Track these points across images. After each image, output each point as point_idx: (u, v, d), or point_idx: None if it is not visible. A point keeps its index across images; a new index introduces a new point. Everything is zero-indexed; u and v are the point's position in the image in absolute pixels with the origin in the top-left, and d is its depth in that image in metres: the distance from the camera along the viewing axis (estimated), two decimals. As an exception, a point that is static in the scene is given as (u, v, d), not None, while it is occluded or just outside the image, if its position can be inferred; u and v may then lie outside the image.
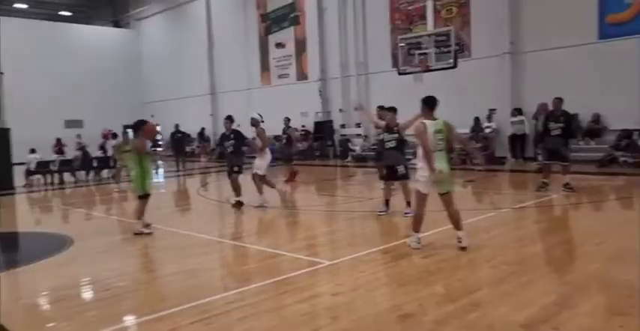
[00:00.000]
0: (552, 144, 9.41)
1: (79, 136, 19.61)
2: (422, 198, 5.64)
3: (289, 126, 13.58)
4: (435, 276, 4.77)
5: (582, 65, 14.08)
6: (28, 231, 8.78)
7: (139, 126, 7.43)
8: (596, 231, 6.34)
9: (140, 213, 7.24)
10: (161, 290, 4.80)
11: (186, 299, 4.30)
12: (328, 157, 20.64)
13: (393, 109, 7.85)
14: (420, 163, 5.62)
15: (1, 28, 14.68)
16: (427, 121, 5.58)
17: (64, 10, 34.38)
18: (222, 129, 25.71)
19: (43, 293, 4.87)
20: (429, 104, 5.66)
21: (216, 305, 4.15)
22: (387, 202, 7.92)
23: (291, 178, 13.12)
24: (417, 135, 5.60)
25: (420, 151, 5.59)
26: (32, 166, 15.28)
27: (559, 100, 9.51)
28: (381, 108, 8.17)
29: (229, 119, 9.34)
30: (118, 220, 9.08)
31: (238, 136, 9.06)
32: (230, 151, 9.13)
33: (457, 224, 5.62)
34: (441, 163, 5.49)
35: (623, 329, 3.47)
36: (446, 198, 5.59)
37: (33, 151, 15.52)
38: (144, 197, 7.28)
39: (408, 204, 7.57)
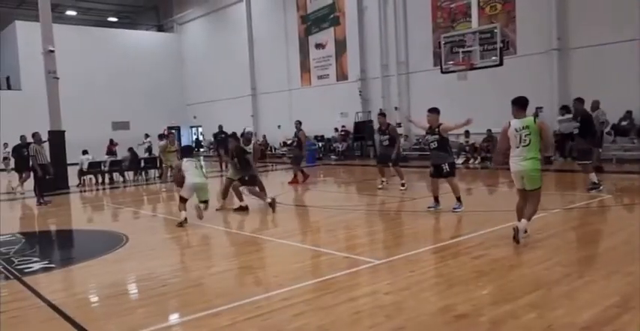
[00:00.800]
0: (575, 143, 10.01)
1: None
2: (518, 192, 5.98)
3: (300, 129, 13.87)
4: (487, 277, 4.70)
5: (633, 61, 13.54)
6: (85, 228, 9.17)
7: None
8: (657, 233, 6.10)
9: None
10: (215, 287, 4.92)
11: (240, 295, 4.40)
12: (369, 157, 20.59)
13: (435, 110, 8.03)
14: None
15: (54, 34, 15.30)
16: (513, 120, 5.85)
17: (112, 16, 35.68)
18: (262, 131, 25.90)
19: (105, 287, 5.07)
20: (517, 103, 5.86)
21: (270, 302, 4.23)
22: (436, 199, 8.08)
23: (295, 181, 13.36)
24: (501, 133, 6.07)
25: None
26: (84, 167, 15.90)
27: (577, 101, 9.88)
28: (430, 111, 8.19)
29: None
30: (165, 218, 9.35)
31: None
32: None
33: (527, 216, 5.73)
34: (523, 160, 5.70)
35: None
36: (528, 193, 5.83)
37: (85, 152, 16.15)
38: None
39: (458, 199, 7.71)
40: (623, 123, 13.79)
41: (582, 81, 14.54)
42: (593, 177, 9.28)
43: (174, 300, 4.53)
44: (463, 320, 3.71)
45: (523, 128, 5.66)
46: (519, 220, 5.76)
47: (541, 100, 15.37)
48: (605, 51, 14.04)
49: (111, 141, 20.00)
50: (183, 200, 7.98)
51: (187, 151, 9.12)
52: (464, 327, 3.61)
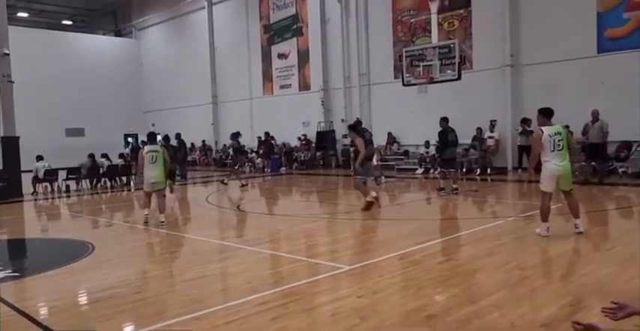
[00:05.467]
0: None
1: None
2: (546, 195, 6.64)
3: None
4: (452, 280, 4.97)
5: (581, 78, 14.40)
6: (49, 237, 8.92)
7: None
8: (604, 238, 6.58)
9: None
10: (189, 293, 4.96)
11: (218, 300, 4.50)
12: (331, 167, 20.88)
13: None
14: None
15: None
16: (544, 127, 6.50)
17: (66, 19, 34.66)
18: (223, 140, 25.75)
19: (78, 295, 5.03)
20: (545, 113, 6.63)
21: (247, 307, 4.33)
22: None
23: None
24: (532, 141, 6.89)
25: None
26: (40, 174, 15.33)
27: (442, 119, 11.65)
28: None
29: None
30: (129, 227, 9.24)
31: None
32: None
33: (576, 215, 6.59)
34: (561, 160, 6.40)
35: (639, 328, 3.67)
36: (567, 193, 6.63)
37: (40, 158, 15.59)
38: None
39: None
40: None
41: (535, 96, 15.29)
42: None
43: (150, 307, 4.56)
44: (433, 320, 3.94)
45: (555, 134, 6.38)
46: (544, 221, 6.59)
47: (495, 114, 16.08)
48: (556, 68, 14.85)
49: None
50: (146, 194, 8.08)
51: (150, 138, 9.08)
52: (435, 326, 3.84)
